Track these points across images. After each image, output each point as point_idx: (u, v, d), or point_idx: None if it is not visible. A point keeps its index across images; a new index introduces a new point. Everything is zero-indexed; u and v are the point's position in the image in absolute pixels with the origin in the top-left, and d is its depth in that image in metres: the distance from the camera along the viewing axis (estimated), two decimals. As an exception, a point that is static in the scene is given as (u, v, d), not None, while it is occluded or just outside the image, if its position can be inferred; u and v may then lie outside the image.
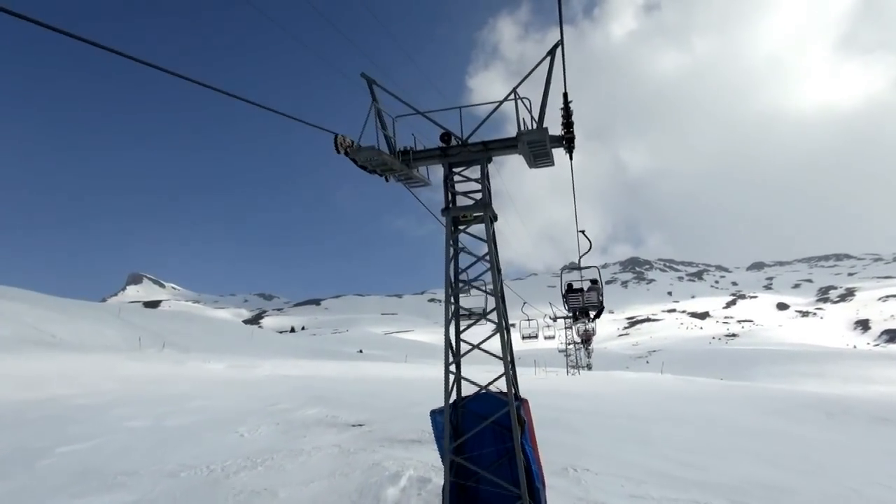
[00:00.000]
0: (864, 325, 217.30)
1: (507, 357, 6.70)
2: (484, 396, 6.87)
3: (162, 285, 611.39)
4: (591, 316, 15.67)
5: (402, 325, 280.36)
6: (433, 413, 6.96)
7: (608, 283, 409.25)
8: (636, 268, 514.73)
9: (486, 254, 7.05)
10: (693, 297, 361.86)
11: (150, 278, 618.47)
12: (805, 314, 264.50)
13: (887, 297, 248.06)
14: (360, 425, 13.15)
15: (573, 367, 55.93)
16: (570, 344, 52.30)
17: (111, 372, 21.73)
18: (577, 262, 14.39)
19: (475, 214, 7.14)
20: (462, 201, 7.31)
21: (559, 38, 6.44)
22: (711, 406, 27.47)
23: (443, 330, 6.87)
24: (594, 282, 14.78)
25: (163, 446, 10.32)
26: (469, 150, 7.20)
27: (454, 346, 6.98)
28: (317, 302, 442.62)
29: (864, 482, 12.16)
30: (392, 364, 54.30)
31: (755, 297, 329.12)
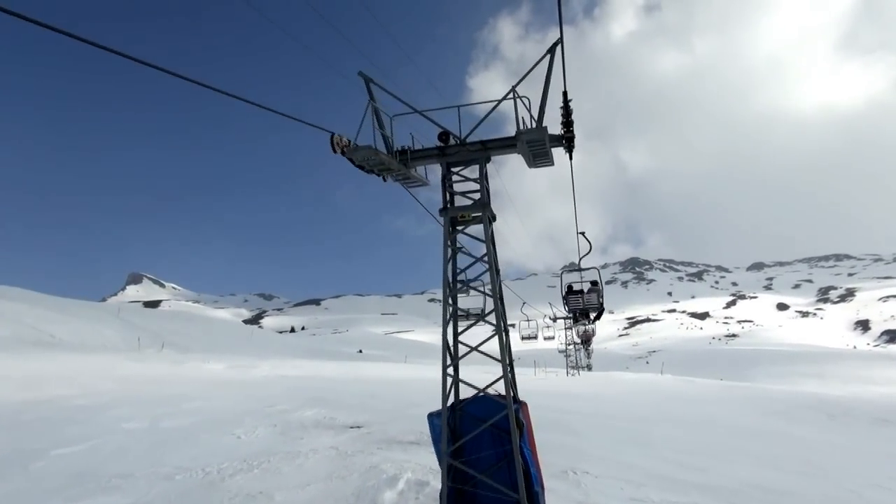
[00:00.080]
0: (864, 325, 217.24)
1: (506, 359, 6.62)
2: (482, 399, 6.80)
3: (162, 285, 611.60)
4: (592, 317, 15.60)
5: (402, 326, 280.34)
6: (431, 416, 6.88)
7: (608, 283, 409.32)
8: (636, 268, 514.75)
9: (485, 254, 6.97)
10: (693, 297, 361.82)
11: (150, 278, 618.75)
12: (805, 314, 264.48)
13: (887, 297, 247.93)
14: (359, 427, 13.07)
15: (573, 367, 55.87)
16: (569, 344, 52.26)
17: (110, 372, 21.66)
18: (577, 262, 14.32)
19: (473, 214, 7.07)
20: (460, 201, 7.24)
21: (559, 36, 6.37)
22: (711, 407, 27.39)
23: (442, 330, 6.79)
24: (594, 283, 14.71)
25: (159, 448, 10.24)
26: (467, 150, 7.13)
27: (452, 348, 6.90)
28: (317, 302, 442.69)
29: (866, 484, 12.07)
30: (392, 364, 54.24)
31: (755, 297, 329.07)
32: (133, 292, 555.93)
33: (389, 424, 13.46)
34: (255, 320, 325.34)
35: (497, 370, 6.48)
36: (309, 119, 6.01)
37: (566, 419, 17.00)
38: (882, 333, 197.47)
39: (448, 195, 7.19)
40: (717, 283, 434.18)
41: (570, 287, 14.90)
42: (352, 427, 13.02)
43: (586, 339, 53.08)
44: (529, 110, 6.69)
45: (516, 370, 7.56)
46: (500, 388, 6.70)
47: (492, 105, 7.10)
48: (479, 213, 7.02)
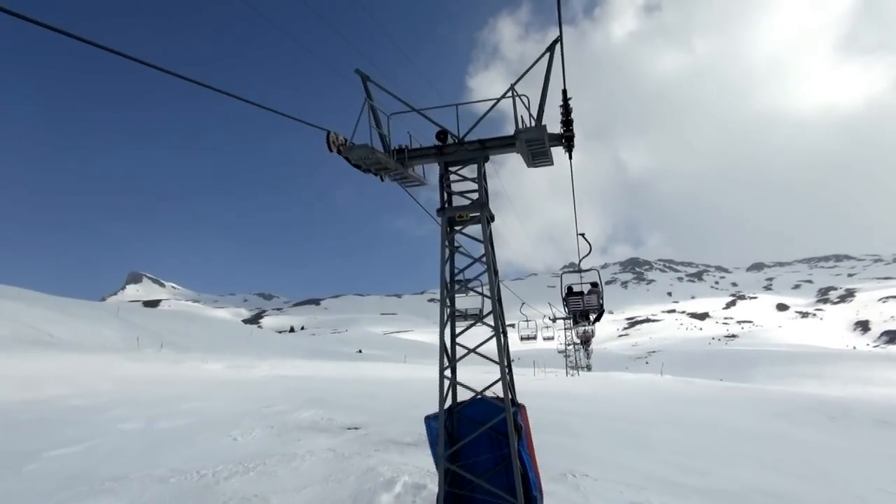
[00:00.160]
0: (863, 326, 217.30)
1: (504, 361, 6.51)
2: (480, 401, 6.70)
3: (162, 285, 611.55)
4: (592, 319, 15.51)
5: (402, 325, 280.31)
6: (428, 419, 6.78)
7: (608, 283, 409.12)
8: (636, 268, 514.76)
9: (483, 255, 6.87)
10: (693, 297, 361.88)
11: (149, 277, 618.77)
12: (805, 315, 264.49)
13: (887, 297, 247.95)
14: (357, 428, 12.97)
15: (572, 367, 55.79)
16: (569, 345, 52.19)
17: (108, 372, 21.56)
18: (576, 263, 14.23)
19: (472, 215, 6.96)
20: (459, 201, 7.14)
21: (558, 34, 6.27)
22: (712, 409, 27.29)
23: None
24: (594, 285, 14.62)
25: (154, 450, 10.14)
26: (466, 149, 7.02)
27: (450, 350, 6.80)
28: (316, 302, 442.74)
29: (868, 488, 11.98)
30: (391, 364, 54.15)
31: (755, 297, 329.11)
32: (133, 292, 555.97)
33: (388, 426, 13.37)
34: (254, 320, 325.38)
35: (496, 370, 6.39)
36: (309, 119, 5.93)
37: (565, 420, 16.90)
38: (882, 334, 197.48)
39: (446, 195, 7.09)
40: (716, 283, 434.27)
41: (570, 289, 14.81)
42: (349, 428, 12.93)
43: (586, 340, 53.03)
44: (528, 109, 6.59)
45: (515, 370, 7.46)
46: (498, 390, 6.60)
47: (490, 104, 7.00)
48: (478, 213, 6.92)
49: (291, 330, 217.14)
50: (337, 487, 8.07)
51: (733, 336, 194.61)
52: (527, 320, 35.83)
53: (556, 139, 6.81)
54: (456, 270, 7.07)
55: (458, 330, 6.99)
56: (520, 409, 6.60)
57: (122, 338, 39.33)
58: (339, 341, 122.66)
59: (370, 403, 17.73)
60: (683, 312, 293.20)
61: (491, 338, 6.61)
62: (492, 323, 6.69)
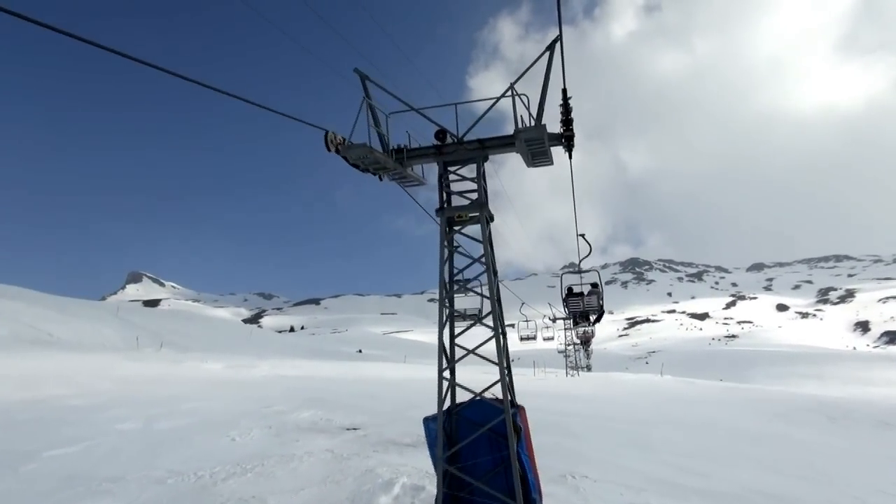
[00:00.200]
0: (863, 326, 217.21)
1: (503, 363, 6.47)
2: (479, 403, 6.66)
3: (162, 284, 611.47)
4: (592, 320, 15.47)
5: (402, 325, 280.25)
6: (426, 420, 6.74)
7: (608, 283, 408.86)
8: (636, 268, 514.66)
9: (482, 255, 6.83)
10: (693, 297, 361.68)
11: (149, 277, 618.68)
12: (805, 315, 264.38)
13: (887, 298, 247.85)
14: (355, 429, 12.93)
15: (572, 368, 55.75)
16: (569, 345, 52.16)
17: (107, 372, 21.52)
18: (576, 263, 14.19)
19: (471, 215, 6.92)
20: (458, 201, 7.10)
21: (558, 33, 6.23)
22: (712, 409, 27.26)
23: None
24: (594, 285, 14.58)
25: (152, 450, 10.10)
26: (465, 149, 6.98)
27: (448, 351, 6.76)
28: (316, 301, 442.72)
29: (869, 490, 11.94)
30: (391, 364, 54.09)
31: (755, 298, 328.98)
32: (133, 291, 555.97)
33: (387, 426, 13.32)
34: (254, 319, 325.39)
35: (496, 371, 6.35)
36: (308, 119, 5.91)
37: (565, 421, 16.86)
38: (882, 335, 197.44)
39: (445, 195, 7.05)
40: (716, 283, 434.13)
41: (570, 289, 14.77)
42: (348, 429, 12.89)
43: (586, 340, 53.01)
44: (528, 108, 6.55)
45: (515, 371, 7.42)
46: (497, 391, 6.56)
47: (489, 103, 6.96)
48: (477, 213, 6.88)
49: (291, 330, 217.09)
50: (335, 489, 8.03)
51: (733, 336, 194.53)
52: (526, 320, 35.80)
53: (556, 139, 6.77)
54: (455, 271, 7.03)
55: (457, 331, 6.95)
56: (519, 410, 6.56)
57: (122, 337, 39.27)
58: (338, 341, 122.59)
59: (369, 404, 17.69)
60: (683, 313, 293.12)
61: (490, 339, 6.57)
62: (491, 324, 6.66)
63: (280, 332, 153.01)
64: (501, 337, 6.60)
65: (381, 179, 7.28)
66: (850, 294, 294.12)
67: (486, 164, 7.10)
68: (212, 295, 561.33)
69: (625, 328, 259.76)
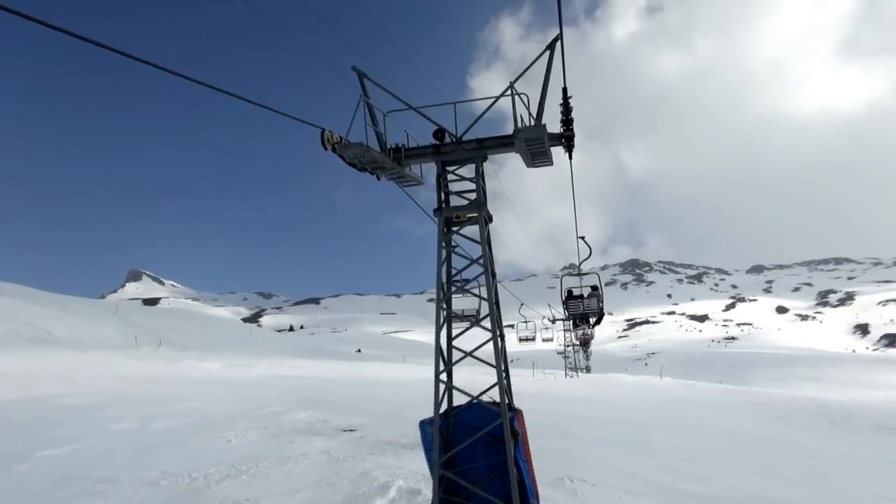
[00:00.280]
0: (863, 329, 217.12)
1: (501, 365, 6.38)
2: (476, 406, 6.57)
3: (161, 282, 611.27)
4: (592, 322, 15.38)
5: (401, 325, 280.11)
6: (422, 423, 6.65)
7: (607, 284, 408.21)
8: (636, 270, 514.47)
9: (480, 256, 6.74)
10: (692, 299, 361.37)
11: (149, 275, 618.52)
12: (804, 318, 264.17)
13: (887, 301, 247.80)
14: (352, 430, 12.83)
15: (571, 369, 55.66)
16: (568, 346, 52.09)
17: (105, 370, 21.43)
18: (576, 264, 14.10)
19: (469, 215, 6.83)
20: (456, 201, 7.01)
21: (559, 32, 6.14)
22: (711, 412, 27.16)
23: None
24: (594, 288, 14.49)
25: (147, 451, 10.01)
26: (463, 148, 6.89)
27: (445, 353, 6.67)
28: (316, 301, 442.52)
29: (870, 496, 11.84)
30: (390, 364, 53.98)
31: (755, 300, 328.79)
32: (132, 289, 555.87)
33: (384, 428, 13.22)
34: (254, 318, 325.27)
35: (494, 372, 6.26)
36: (308, 119, 5.85)
37: (564, 423, 16.76)
38: (881, 337, 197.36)
39: (443, 195, 6.96)
40: (716, 285, 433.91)
41: (570, 292, 14.67)
42: (345, 430, 12.78)
43: (585, 342, 52.93)
44: (528, 108, 6.46)
45: (514, 371, 7.34)
46: (494, 394, 6.47)
47: (489, 102, 6.87)
48: (475, 214, 6.78)
49: (291, 329, 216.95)
50: (330, 492, 7.93)
51: (733, 338, 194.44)
52: (525, 321, 35.73)
53: (556, 139, 6.68)
54: (453, 271, 6.94)
55: (454, 333, 6.85)
56: (516, 413, 6.47)
57: (121, 336, 39.16)
58: (338, 340, 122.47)
59: (367, 405, 17.59)
60: (683, 314, 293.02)
61: (488, 341, 6.48)
62: (489, 326, 6.56)
63: (279, 331, 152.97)
64: (499, 339, 6.51)
65: (378, 179, 7.19)
66: (849, 297, 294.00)
67: (485, 164, 7.01)
68: (211, 294, 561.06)
69: (624, 329, 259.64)
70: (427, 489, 7.88)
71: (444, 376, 6.56)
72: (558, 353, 54.75)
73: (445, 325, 6.67)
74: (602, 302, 14.23)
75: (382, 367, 46.12)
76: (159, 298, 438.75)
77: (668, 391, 39.54)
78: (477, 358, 6.72)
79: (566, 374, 54.96)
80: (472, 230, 6.94)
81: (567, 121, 6.55)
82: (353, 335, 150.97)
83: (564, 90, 6.50)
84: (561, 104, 6.53)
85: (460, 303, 7.43)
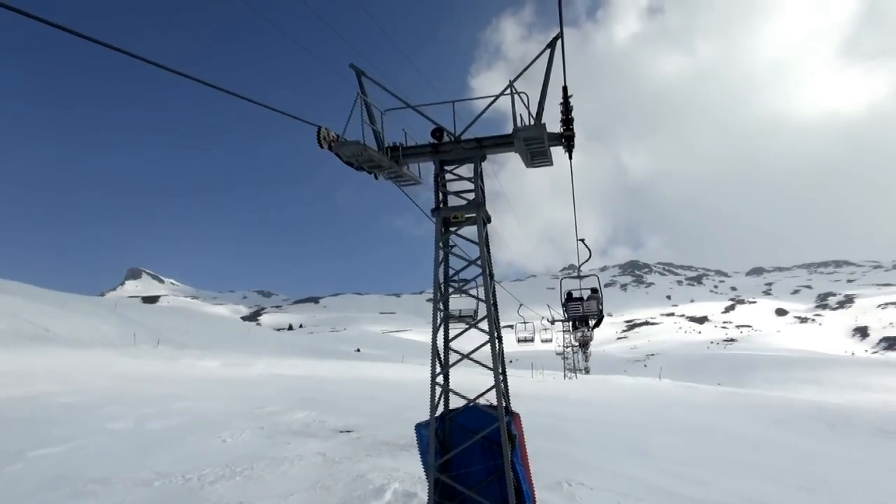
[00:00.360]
0: (862, 332, 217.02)
1: (499, 368, 6.29)
2: (473, 409, 6.48)
3: (161, 280, 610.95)
4: (591, 324, 15.30)
5: (400, 325, 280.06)
6: (418, 426, 6.57)
7: (607, 285, 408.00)
8: (635, 271, 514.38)
9: (478, 257, 6.66)
10: (692, 301, 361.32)
11: (149, 273, 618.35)
12: (804, 320, 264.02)
13: (886, 304, 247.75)
14: (349, 431, 12.73)
15: (570, 370, 55.55)
16: (567, 347, 51.99)
17: (103, 369, 21.33)
18: (576, 266, 14.02)
19: (467, 215, 6.74)
20: (455, 201, 6.92)
21: (559, 30, 6.05)
22: (710, 415, 27.07)
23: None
24: (594, 290, 14.41)
25: (141, 451, 9.91)
26: (462, 147, 6.80)
27: (442, 355, 6.58)
28: (315, 300, 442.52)
29: (870, 501, 11.76)
30: (389, 364, 53.89)
31: (754, 302, 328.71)
32: (132, 287, 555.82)
33: (381, 429, 13.13)
34: (253, 317, 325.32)
35: (491, 373, 6.17)
36: (308, 118, 5.79)
37: (562, 425, 16.66)
38: (880, 340, 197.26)
39: (441, 194, 6.88)
40: (716, 287, 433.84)
41: (569, 294, 14.60)
42: (342, 431, 12.69)
43: (584, 343, 52.83)
44: (528, 107, 6.37)
45: (513, 372, 7.26)
46: (492, 397, 6.38)
47: (488, 101, 6.78)
48: (473, 214, 6.70)
49: (290, 328, 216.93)
50: (325, 494, 7.84)
51: (732, 340, 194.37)
52: (524, 322, 35.65)
53: (556, 139, 6.59)
54: (451, 272, 6.86)
55: (452, 334, 6.76)
56: (514, 417, 6.38)
57: (120, 334, 39.06)
58: (337, 340, 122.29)
59: (365, 405, 17.49)
60: (682, 316, 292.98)
61: (486, 343, 6.39)
62: (486, 328, 6.48)
63: (279, 330, 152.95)
64: (497, 342, 6.42)
65: (376, 178, 7.10)
66: (849, 299, 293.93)
67: (485, 164, 6.93)
68: (211, 292, 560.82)
69: (623, 331, 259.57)
70: (423, 492, 7.79)
71: (440, 378, 6.47)
72: (557, 354, 54.66)
73: (442, 326, 6.59)
74: (602, 304, 14.15)
75: (381, 366, 46.03)
76: (159, 296, 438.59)
77: (668, 393, 39.44)
78: (474, 360, 6.63)
79: (565, 375, 54.86)
80: (471, 231, 6.85)
81: (567, 120, 6.46)
82: (352, 334, 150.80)
83: (565, 89, 6.41)
84: (561, 104, 6.44)
85: (458, 303, 7.34)
